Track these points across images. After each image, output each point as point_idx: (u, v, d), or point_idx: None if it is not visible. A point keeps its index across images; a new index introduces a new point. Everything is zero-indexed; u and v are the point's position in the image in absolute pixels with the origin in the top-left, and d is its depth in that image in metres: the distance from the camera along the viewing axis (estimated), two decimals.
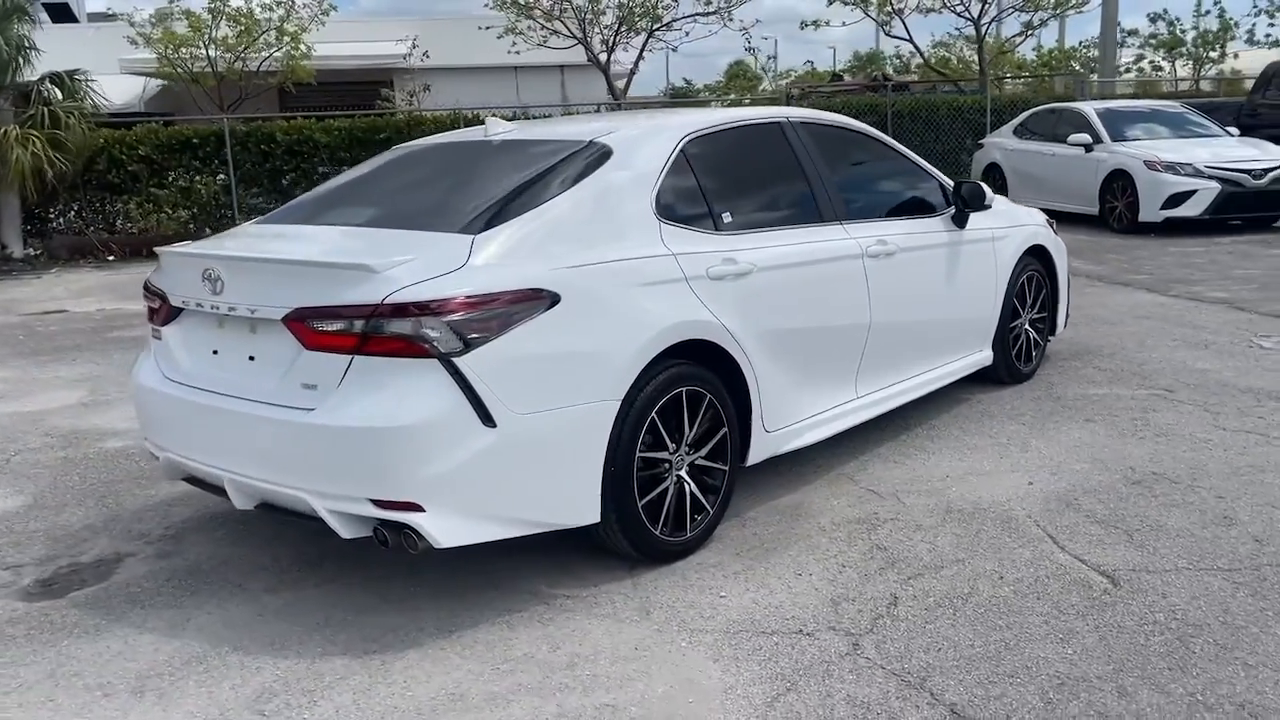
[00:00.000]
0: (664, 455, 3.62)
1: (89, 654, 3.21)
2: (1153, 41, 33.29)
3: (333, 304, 3.12)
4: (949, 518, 3.99)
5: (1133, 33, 34.73)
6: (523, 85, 30.26)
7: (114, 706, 2.91)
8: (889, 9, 18.71)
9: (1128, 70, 31.41)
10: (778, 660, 3.00)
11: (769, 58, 54.18)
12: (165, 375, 3.71)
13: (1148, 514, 3.94)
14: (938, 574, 3.51)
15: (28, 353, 7.88)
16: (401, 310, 3.05)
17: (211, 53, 17.31)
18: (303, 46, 17.49)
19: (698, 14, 18.01)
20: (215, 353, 3.53)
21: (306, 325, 3.18)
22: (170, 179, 14.99)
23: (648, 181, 3.79)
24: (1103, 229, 12.54)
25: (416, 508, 3.10)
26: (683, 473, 3.70)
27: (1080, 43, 30.29)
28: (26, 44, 13.45)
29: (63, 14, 27.37)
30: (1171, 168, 11.95)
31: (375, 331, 3.08)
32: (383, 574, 3.69)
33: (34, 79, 13.58)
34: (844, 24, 18.75)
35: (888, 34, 19.67)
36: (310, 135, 15.52)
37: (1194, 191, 11.83)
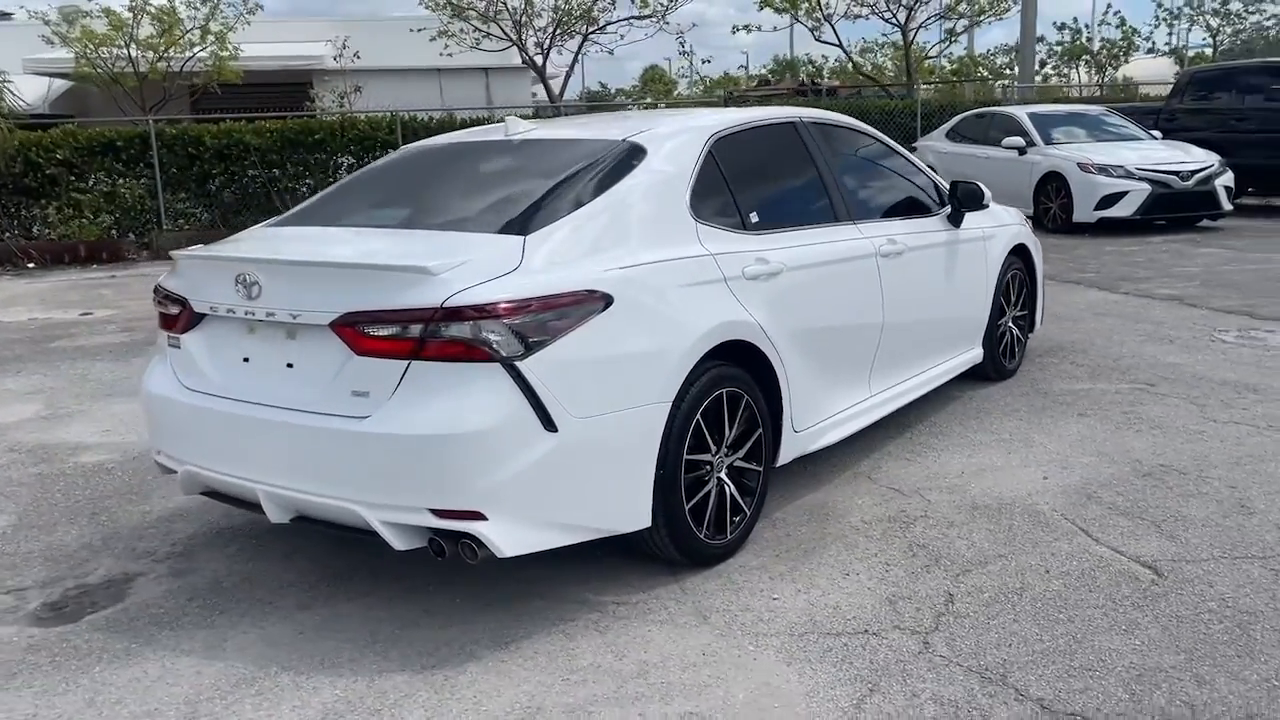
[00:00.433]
0: (706, 457, 3.58)
1: (126, 680, 3.03)
2: (1059, 49, 34.42)
3: (387, 308, 3.00)
4: (977, 514, 4.02)
5: (1039, 39, 35.88)
6: (447, 88, 29.91)
7: None
8: (818, 15, 18.98)
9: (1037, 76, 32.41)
10: (852, 662, 2.98)
11: (704, 61, 54.45)
12: (184, 384, 3.54)
13: (1167, 505, 4.03)
14: (984, 570, 3.53)
15: None
16: (462, 313, 2.96)
17: (133, 52, 16.69)
18: (229, 47, 16.97)
19: (633, 17, 18.02)
20: (246, 360, 3.38)
21: (357, 330, 3.05)
22: (91, 183, 14.44)
23: (683, 181, 3.75)
24: (1038, 230, 12.82)
25: (479, 516, 3.00)
26: (722, 474, 3.67)
27: (988, 50, 31.22)
28: None
29: None
30: (1104, 170, 12.33)
31: (433, 336, 2.97)
32: (417, 586, 3.57)
33: None
34: (775, 29, 18.83)
35: (818, 39, 19.95)
36: (241, 138, 15.09)
37: (1126, 193, 12.23)
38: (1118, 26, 32.39)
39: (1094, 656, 2.94)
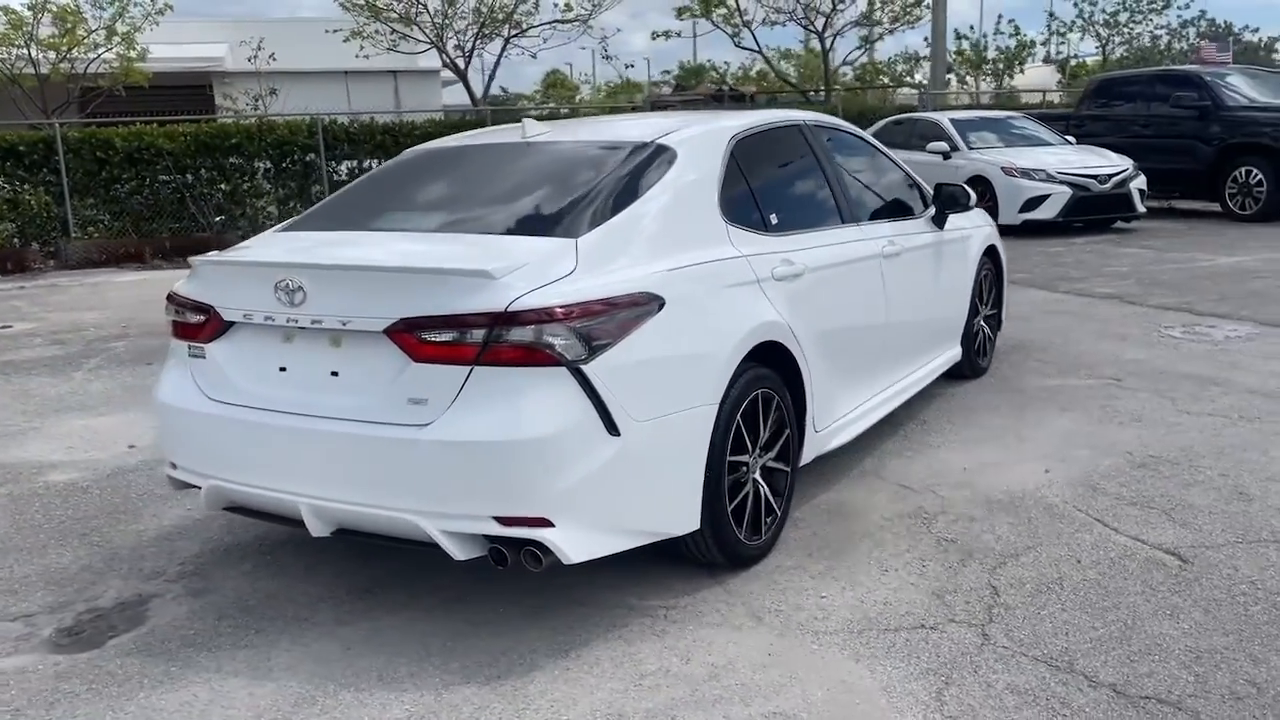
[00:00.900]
0: (744, 458, 3.59)
1: (176, 705, 2.90)
2: (957, 57, 35.42)
3: (448, 313, 2.93)
4: (994, 508, 4.11)
5: None
6: (355, 91, 29.40)
7: None
8: (735, 22, 19.21)
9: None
10: (918, 656, 3.01)
11: (627, 66, 54.44)
12: (208, 395, 3.40)
13: (1169, 493, 4.18)
14: (1018, 562, 3.62)
15: None
16: (526, 317, 2.91)
17: (33, 52, 15.97)
18: (137, 47, 16.36)
19: (557, 21, 17.96)
20: (283, 370, 3.26)
21: (416, 336, 2.97)
22: None
23: (712, 182, 3.76)
24: None
25: (546, 523, 2.96)
26: (756, 475, 3.68)
27: (889, 58, 31.95)
28: None
29: None
30: (1027, 174, 12.76)
31: (497, 341, 2.92)
32: (455, 597, 3.49)
33: None
34: (696, 35, 18.99)
35: (737, 45, 20.17)
36: (153, 141, 14.57)
37: (1048, 196, 12.67)
38: (1012, 35, 33.54)
39: (1149, 641, 3.04)
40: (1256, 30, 39.10)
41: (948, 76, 34.80)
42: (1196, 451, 4.68)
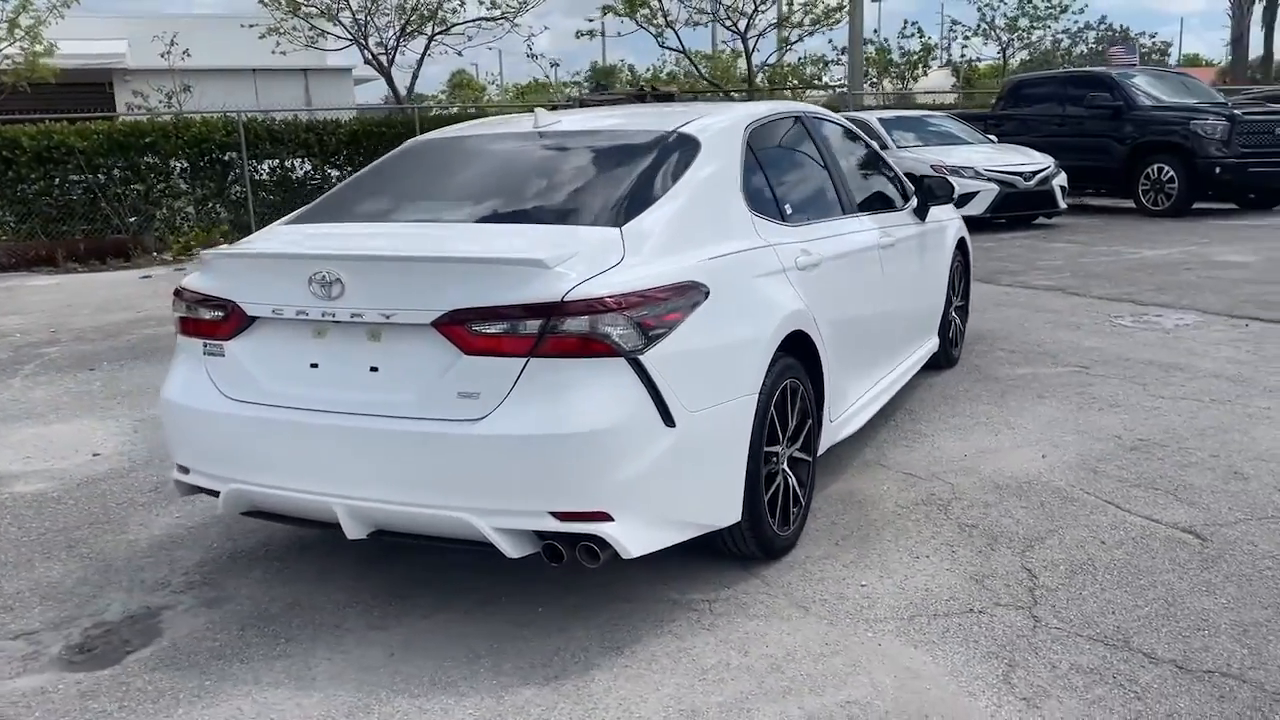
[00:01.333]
0: (776, 449, 3.56)
1: (221, 719, 2.75)
2: (864, 60, 36.11)
3: (503, 304, 2.83)
4: (1003, 493, 4.16)
5: (845, 50, 37.57)
6: (264, 89, 28.62)
7: None
8: (657, 22, 19.25)
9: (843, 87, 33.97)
10: (976, 640, 3.03)
11: (553, 65, 53.88)
12: (227, 395, 3.23)
13: (1168, 475, 4.29)
14: (1044, 545, 3.66)
15: None
16: (583, 307, 2.83)
17: None
18: (44, 42, 15.64)
19: (482, 19, 17.74)
20: (314, 366, 3.11)
21: (466, 329, 2.87)
22: None
23: (735, 172, 3.72)
24: None
25: (605, 517, 2.88)
26: (785, 466, 3.66)
27: (799, 59, 32.32)
28: None
29: None
30: (956, 171, 13.02)
31: (552, 331, 2.83)
32: (489, 599, 3.39)
33: None
34: (619, 34, 18.94)
35: (661, 45, 20.21)
36: (63, 140, 13.95)
37: (977, 193, 12.97)
38: (913, 38, 34.33)
39: (1195, 617, 3.10)
40: (1154, 35, 40.84)
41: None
42: (1180, 434, 4.81)
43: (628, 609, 3.30)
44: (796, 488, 3.71)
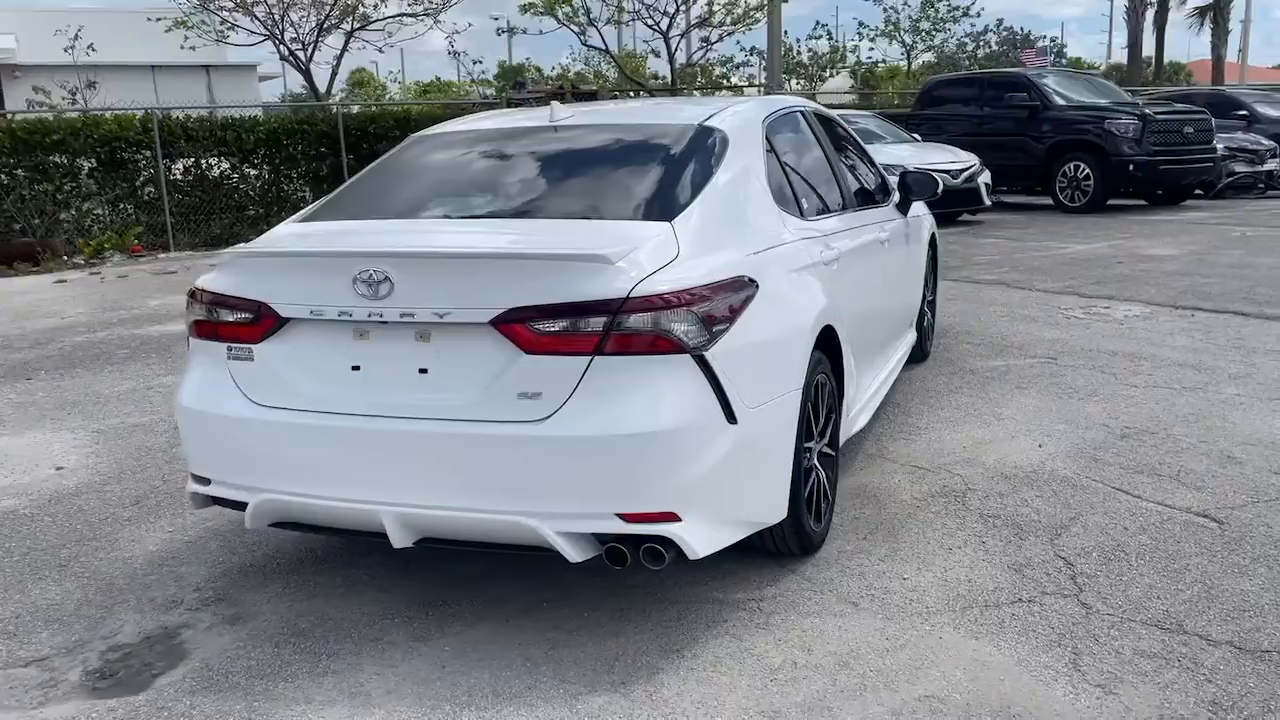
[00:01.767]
0: (810, 445, 3.54)
1: None
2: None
3: (567, 301, 2.74)
4: (1016, 483, 4.21)
5: (754, 50, 37.99)
6: (164, 86, 27.67)
7: None
8: (578, 21, 19.17)
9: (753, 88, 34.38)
10: (1035, 629, 3.04)
11: (475, 62, 53.02)
12: (256, 401, 3.06)
13: (1166, 461, 4.40)
14: (1070, 533, 3.71)
15: None
16: (648, 303, 2.76)
17: None
18: None
19: (404, 14, 17.40)
20: (356, 369, 2.97)
21: (528, 327, 2.77)
22: None
23: (761, 166, 3.69)
24: None
25: (673, 518, 2.81)
26: (815, 461, 3.64)
27: (706, 60, 32.45)
28: None
29: None
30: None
31: (618, 329, 2.75)
32: (526, 605, 3.28)
33: None
34: (540, 32, 18.70)
35: (584, 43, 20.12)
36: None
37: None
38: (824, 40, 34.92)
39: (1237, 598, 3.17)
40: (1054, 39, 42.23)
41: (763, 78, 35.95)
42: (1164, 421, 4.94)
43: (677, 611, 3.23)
44: (825, 483, 3.70)
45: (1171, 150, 14.37)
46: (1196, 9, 37.89)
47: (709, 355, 2.84)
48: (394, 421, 2.88)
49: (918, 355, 6.13)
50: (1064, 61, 38.75)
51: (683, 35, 19.02)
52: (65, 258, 13.36)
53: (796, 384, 3.26)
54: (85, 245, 13.53)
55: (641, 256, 2.85)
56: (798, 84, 36.70)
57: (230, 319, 3.10)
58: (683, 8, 18.37)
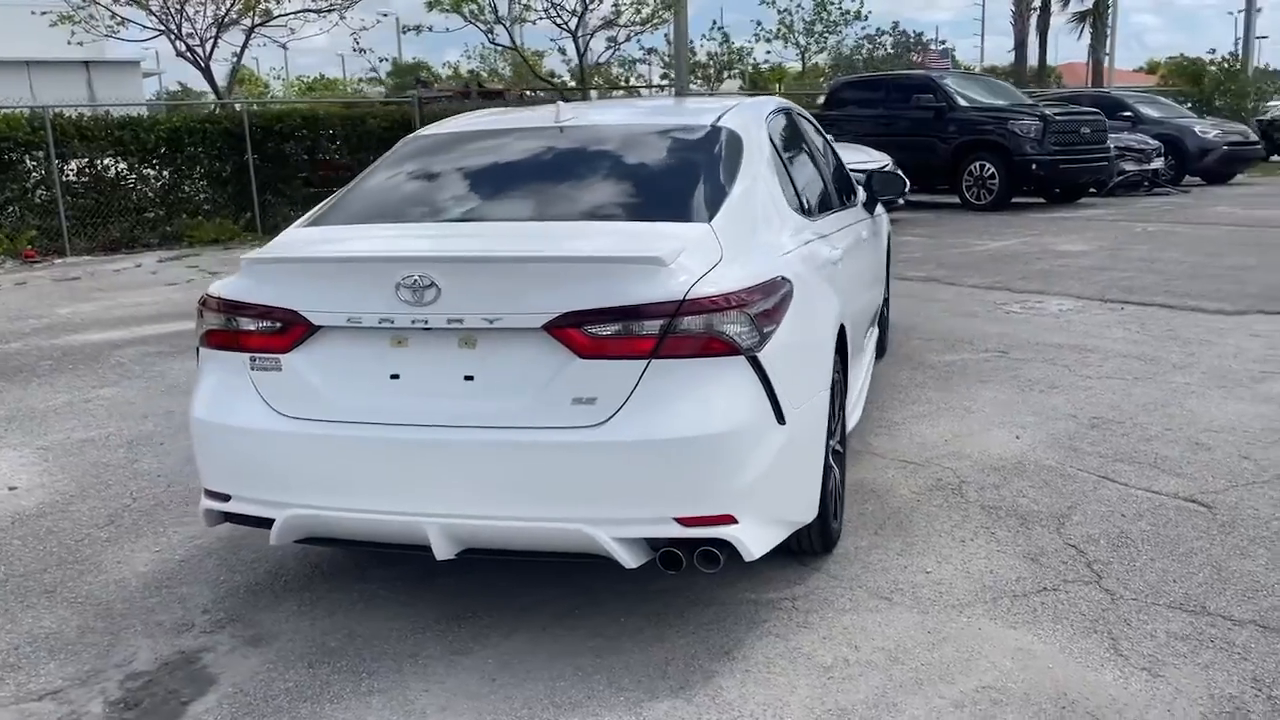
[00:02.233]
0: (831, 443, 3.57)
1: None
2: (668, 59, 36.75)
3: (623, 304, 2.70)
4: (1005, 474, 4.32)
5: (652, 51, 38.10)
6: (39, 83, 26.36)
7: None
8: (485, 19, 18.92)
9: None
10: (1069, 617, 3.12)
11: (381, 59, 51.54)
12: (282, 413, 2.94)
13: (1141, 449, 4.57)
14: (1072, 521, 3.82)
15: None
16: (703, 305, 2.74)
17: None
18: None
19: (309, 9, 16.92)
20: (395, 377, 2.87)
21: (583, 331, 2.72)
22: None
23: (772, 166, 3.70)
24: None
25: (730, 520, 2.80)
26: (831, 459, 3.67)
27: (598, 62, 32.36)
28: None
29: None
30: None
31: (674, 331, 2.73)
32: (559, 612, 3.23)
33: None
34: (447, 30, 18.49)
35: (492, 42, 19.90)
36: None
37: None
38: (721, 43, 35.26)
39: (1247, 579, 3.31)
40: (944, 42, 43.38)
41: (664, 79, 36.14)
42: (1127, 410, 5.14)
43: (712, 612, 3.22)
44: (838, 480, 3.73)
45: (1070, 150, 14.97)
46: (1076, 14, 39.56)
47: (761, 356, 2.83)
48: (439, 430, 2.80)
49: (878, 351, 6.23)
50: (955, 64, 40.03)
51: (591, 34, 19.01)
52: None
53: (826, 382, 3.29)
54: None
55: (690, 258, 2.83)
56: (697, 85, 37.02)
57: (253, 328, 2.97)
58: (591, 6, 18.35)
